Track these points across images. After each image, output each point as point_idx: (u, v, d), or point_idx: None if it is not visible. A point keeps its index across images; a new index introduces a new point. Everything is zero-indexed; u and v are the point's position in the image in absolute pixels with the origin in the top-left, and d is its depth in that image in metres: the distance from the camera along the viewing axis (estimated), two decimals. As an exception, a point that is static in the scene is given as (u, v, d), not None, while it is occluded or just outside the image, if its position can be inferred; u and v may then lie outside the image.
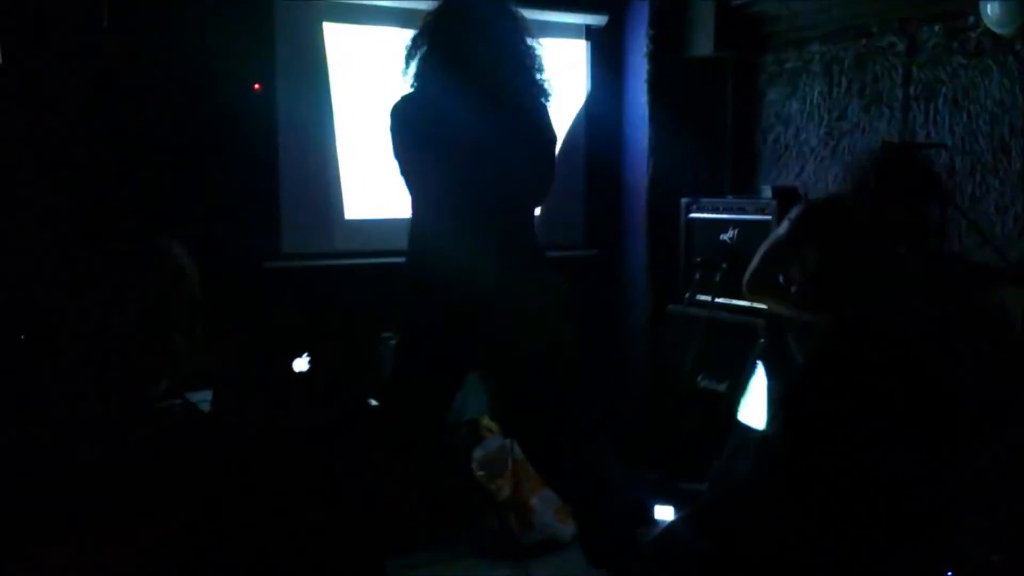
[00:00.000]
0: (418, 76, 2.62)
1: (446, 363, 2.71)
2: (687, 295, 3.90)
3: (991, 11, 3.18)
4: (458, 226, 2.58)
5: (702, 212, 4.00)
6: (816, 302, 2.60)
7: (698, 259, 3.91)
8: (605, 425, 2.92)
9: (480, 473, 3.33)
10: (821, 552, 1.07)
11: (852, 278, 2.56)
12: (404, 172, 2.66)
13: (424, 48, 2.60)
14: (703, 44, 4.18)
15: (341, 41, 4.03)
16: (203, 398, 2.98)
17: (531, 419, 2.80)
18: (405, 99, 2.65)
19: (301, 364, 2.98)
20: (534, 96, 2.63)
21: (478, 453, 3.36)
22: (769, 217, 3.66)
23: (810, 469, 1.08)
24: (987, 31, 3.28)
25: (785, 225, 2.72)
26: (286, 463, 2.88)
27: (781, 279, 2.75)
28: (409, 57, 2.63)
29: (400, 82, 2.66)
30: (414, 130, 2.60)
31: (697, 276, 3.86)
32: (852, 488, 1.06)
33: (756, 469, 2.62)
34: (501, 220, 2.61)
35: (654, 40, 4.32)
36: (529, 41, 2.63)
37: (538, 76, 2.63)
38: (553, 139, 2.68)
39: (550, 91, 2.67)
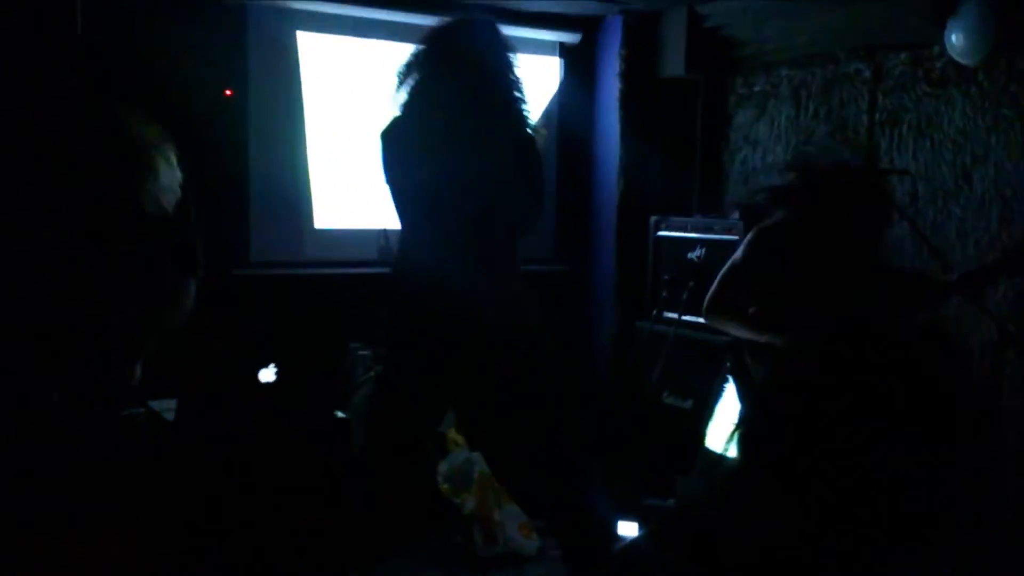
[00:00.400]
0: (409, 103, 2.63)
1: (431, 378, 2.73)
2: (654, 312, 3.94)
3: (955, 41, 3.26)
4: (440, 247, 2.61)
5: (670, 230, 4.04)
6: (774, 323, 2.63)
7: (666, 277, 3.96)
8: (583, 440, 2.95)
9: (445, 486, 3.33)
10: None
11: (809, 298, 2.60)
12: (392, 193, 2.69)
13: (416, 75, 2.61)
14: (674, 65, 4.24)
15: (314, 50, 4.03)
16: (166, 407, 2.94)
17: (509, 432, 2.84)
18: (395, 123, 2.66)
19: (268, 374, 2.95)
20: (521, 127, 2.66)
21: (443, 466, 3.36)
22: (736, 237, 3.71)
23: (764, 490, 1.09)
24: (951, 61, 3.36)
25: (740, 249, 2.76)
26: (250, 474, 2.85)
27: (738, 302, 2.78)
28: (401, 83, 2.64)
29: (390, 104, 2.67)
30: (402, 155, 2.63)
31: (664, 293, 3.90)
32: (812, 511, 1.08)
33: (712, 487, 2.64)
34: (483, 244, 2.63)
35: (626, 60, 4.38)
36: (517, 72, 2.66)
37: (524, 108, 2.66)
38: (539, 170, 2.73)
39: (532, 123, 2.70)
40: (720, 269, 3.64)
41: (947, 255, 3.27)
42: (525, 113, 2.66)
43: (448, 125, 2.55)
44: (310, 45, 4.02)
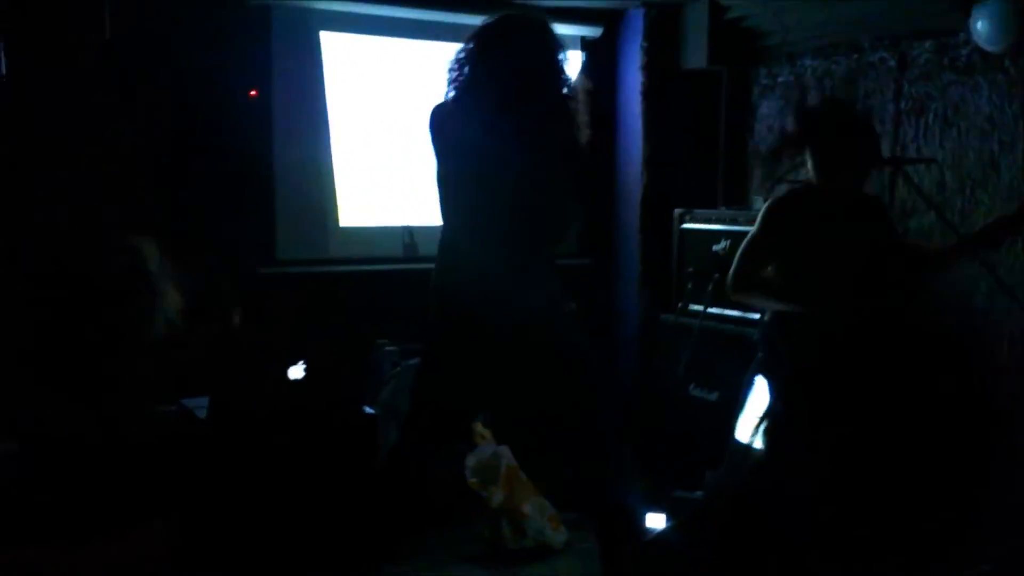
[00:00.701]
0: (459, 91, 2.62)
1: (469, 374, 2.75)
2: (679, 305, 3.93)
3: (981, 28, 3.23)
4: (481, 243, 2.61)
5: (695, 223, 4.04)
6: (799, 292, 2.65)
7: (690, 269, 3.95)
8: (611, 432, 2.96)
9: (473, 480, 3.34)
10: (812, 559, 1.09)
11: (829, 265, 2.64)
12: (437, 179, 2.69)
13: (465, 72, 2.61)
14: (697, 57, 4.23)
15: (337, 50, 4.06)
16: (199, 404, 2.99)
17: (538, 425, 2.86)
18: (441, 107, 2.66)
19: (297, 371, 2.99)
20: (567, 131, 2.65)
21: (471, 460, 3.37)
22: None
23: (793, 474, 1.10)
24: (977, 48, 3.33)
25: (757, 222, 2.79)
26: (282, 470, 2.89)
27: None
28: (451, 80, 2.64)
29: (440, 91, 2.68)
30: (444, 139, 2.63)
31: (690, 286, 3.89)
32: (841, 496, 1.08)
33: (739, 479, 2.66)
34: (521, 244, 2.62)
35: (648, 52, 4.37)
36: (566, 71, 2.65)
37: (573, 110, 2.66)
38: (581, 176, 2.74)
39: (579, 125, 2.69)
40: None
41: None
42: (572, 116, 2.65)
43: (494, 124, 2.55)
44: (334, 44, 4.05)
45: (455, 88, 2.62)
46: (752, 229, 2.78)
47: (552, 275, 2.73)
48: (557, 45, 2.62)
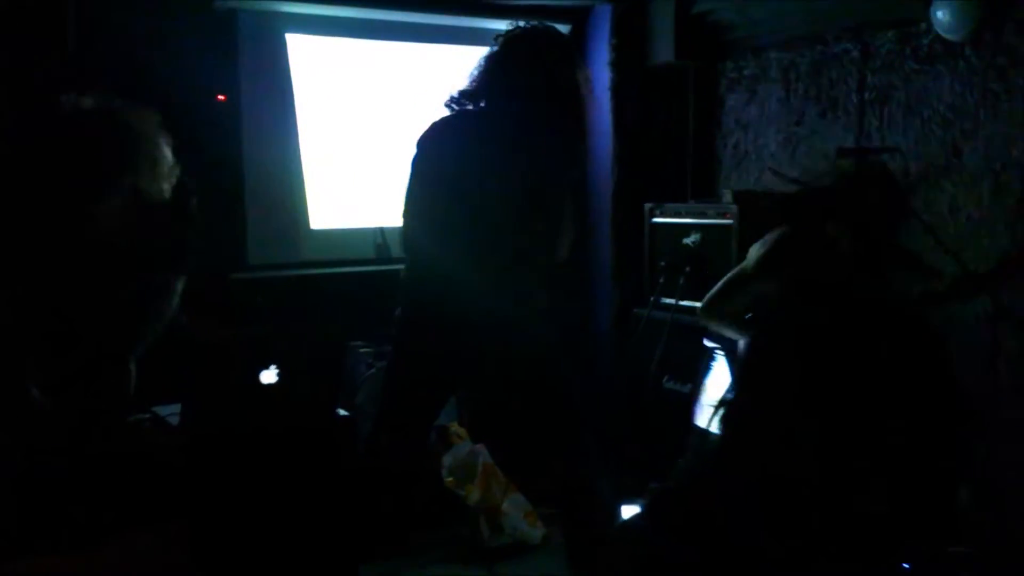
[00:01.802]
0: (465, 113, 2.63)
1: (440, 379, 2.76)
2: (651, 298, 3.96)
3: (941, 17, 3.27)
4: (461, 255, 2.62)
5: (665, 217, 4.06)
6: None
7: (662, 263, 3.97)
8: (588, 427, 2.98)
9: (450, 479, 3.36)
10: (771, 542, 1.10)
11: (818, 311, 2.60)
12: (422, 191, 2.68)
13: (478, 84, 2.61)
14: (664, 52, 4.25)
15: (305, 52, 4.05)
16: (171, 412, 2.97)
17: (514, 422, 2.88)
18: (447, 124, 2.67)
19: (269, 376, 2.98)
20: (573, 161, 2.66)
21: (447, 460, 3.39)
22: (731, 221, 3.73)
23: (745, 465, 1.11)
24: (938, 37, 3.37)
25: (753, 255, 2.73)
26: (257, 474, 2.88)
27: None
28: (465, 90, 2.64)
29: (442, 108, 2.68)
30: (449, 155, 2.63)
31: (661, 280, 3.92)
32: (793, 487, 1.09)
33: (695, 462, 2.66)
34: (511, 262, 2.65)
35: (616, 49, 4.38)
36: (584, 92, 2.66)
37: (579, 144, 2.67)
38: (581, 211, 2.76)
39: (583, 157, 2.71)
40: (718, 253, 3.66)
41: (939, 231, 3.27)
42: (578, 150, 2.67)
43: (504, 141, 2.55)
44: (301, 47, 4.04)
45: (471, 99, 2.61)
46: (747, 261, 2.73)
47: (543, 286, 2.75)
48: (581, 61, 2.64)
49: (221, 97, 3.82)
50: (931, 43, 3.45)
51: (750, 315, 2.68)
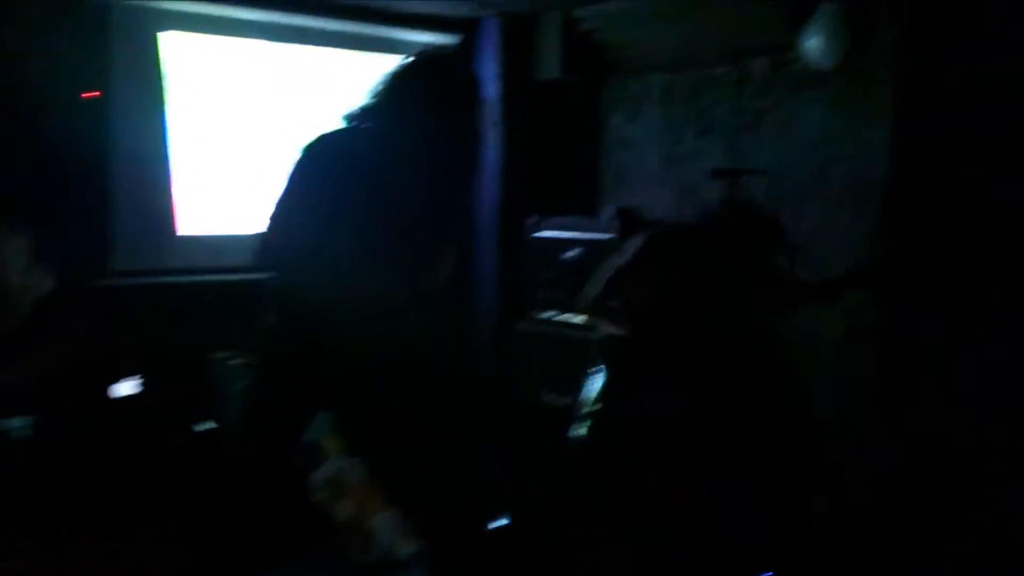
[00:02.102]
0: (363, 129, 2.58)
1: (309, 392, 2.69)
2: (532, 312, 3.97)
3: (810, 47, 3.39)
4: (336, 270, 2.55)
5: (547, 231, 4.08)
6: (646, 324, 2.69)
7: (543, 277, 3.99)
8: (464, 440, 2.96)
9: (320, 495, 3.27)
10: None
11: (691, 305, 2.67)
12: (299, 198, 2.60)
13: (386, 101, 2.56)
14: (551, 68, 4.29)
15: (180, 51, 3.91)
16: (19, 424, 2.82)
17: (389, 435, 2.83)
18: (341, 136, 2.60)
19: (125, 388, 2.86)
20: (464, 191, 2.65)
21: (318, 475, 3.30)
22: (612, 236, 3.77)
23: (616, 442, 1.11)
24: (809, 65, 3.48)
25: (628, 251, 2.79)
26: (114, 490, 2.76)
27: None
28: (365, 105, 2.58)
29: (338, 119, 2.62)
30: (340, 169, 2.56)
31: (541, 294, 3.93)
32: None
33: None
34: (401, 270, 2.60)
35: (503, 62, 4.40)
36: (482, 129, 2.65)
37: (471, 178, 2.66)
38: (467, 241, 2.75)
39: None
40: (598, 268, 3.69)
41: (804, 251, 3.38)
42: (469, 184, 2.65)
43: (395, 164, 2.51)
44: (177, 45, 3.90)
45: (369, 116, 2.57)
46: (621, 256, 2.77)
47: (420, 302, 2.71)
48: (480, 88, 2.63)
49: (92, 94, 3.65)
50: (802, 69, 3.57)
51: (628, 311, 2.74)
